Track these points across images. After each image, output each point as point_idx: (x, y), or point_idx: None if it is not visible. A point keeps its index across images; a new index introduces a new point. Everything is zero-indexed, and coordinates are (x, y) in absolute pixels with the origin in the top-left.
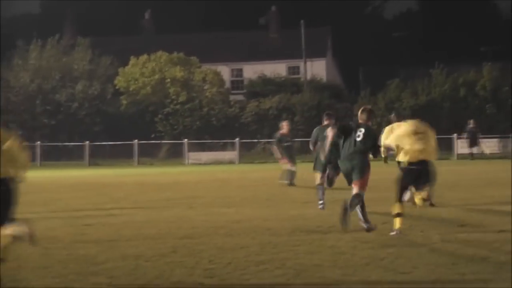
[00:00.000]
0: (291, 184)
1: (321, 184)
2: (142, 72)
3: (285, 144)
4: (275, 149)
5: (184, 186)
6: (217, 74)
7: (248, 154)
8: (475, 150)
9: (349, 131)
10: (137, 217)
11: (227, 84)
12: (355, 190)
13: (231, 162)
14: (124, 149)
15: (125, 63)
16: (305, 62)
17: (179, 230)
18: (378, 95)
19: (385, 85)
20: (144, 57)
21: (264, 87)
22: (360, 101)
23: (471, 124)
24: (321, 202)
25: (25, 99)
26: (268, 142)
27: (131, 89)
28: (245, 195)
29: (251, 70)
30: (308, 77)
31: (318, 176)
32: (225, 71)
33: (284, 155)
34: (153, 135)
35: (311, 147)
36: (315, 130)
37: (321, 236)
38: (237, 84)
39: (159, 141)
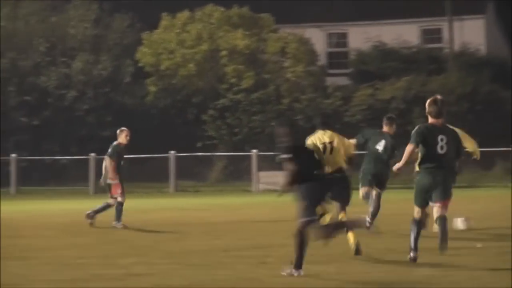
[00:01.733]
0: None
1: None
2: (181, 40)
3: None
4: (109, 167)
5: (251, 228)
6: (305, 42)
7: (357, 174)
8: None
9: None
10: (175, 279)
11: (322, 59)
12: (438, 211)
13: None
14: (153, 167)
15: (153, 25)
16: (450, 23)
17: None
18: None
19: None
20: (184, 14)
21: (383, 64)
22: None
23: None
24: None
25: None
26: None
27: (162, 67)
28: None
29: (361, 36)
30: (456, 47)
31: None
32: (317, 37)
33: (117, 177)
34: (199, 144)
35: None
36: (369, 132)
37: None
38: (337, 58)
39: (209, 154)
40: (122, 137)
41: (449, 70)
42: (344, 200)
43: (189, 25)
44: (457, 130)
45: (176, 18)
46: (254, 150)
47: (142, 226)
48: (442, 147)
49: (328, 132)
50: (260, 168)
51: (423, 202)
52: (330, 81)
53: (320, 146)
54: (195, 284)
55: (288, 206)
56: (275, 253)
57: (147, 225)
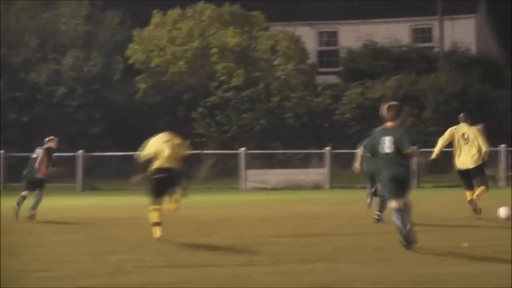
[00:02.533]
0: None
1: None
2: (172, 37)
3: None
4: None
5: (240, 226)
6: (296, 40)
7: (345, 173)
8: None
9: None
10: (163, 277)
11: (312, 57)
12: (393, 205)
13: (317, 187)
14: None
15: (144, 22)
16: (440, 22)
17: None
18: None
19: None
20: (175, 12)
21: (373, 63)
22: None
23: None
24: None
25: None
26: None
27: (153, 64)
28: (341, 241)
29: (351, 34)
30: (446, 46)
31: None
32: (308, 35)
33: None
34: (188, 141)
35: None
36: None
37: None
38: (328, 57)
39: (198, 151)
40: (53, 142)
41: (440, 69)
42: (170, 194)
43: (180, 22)
44: (473, 128)
45: (167, 15)
46: (243, 148)
47: (130, 224)
48: (389, 147)
49: (169, 134)
50: (248, 166)
51: (389, 195)
52: (320, 79)
53: (164, 145)
54: (183, 282)
55: (276, 204)
56: (264, 250)
57: (135, 222)
